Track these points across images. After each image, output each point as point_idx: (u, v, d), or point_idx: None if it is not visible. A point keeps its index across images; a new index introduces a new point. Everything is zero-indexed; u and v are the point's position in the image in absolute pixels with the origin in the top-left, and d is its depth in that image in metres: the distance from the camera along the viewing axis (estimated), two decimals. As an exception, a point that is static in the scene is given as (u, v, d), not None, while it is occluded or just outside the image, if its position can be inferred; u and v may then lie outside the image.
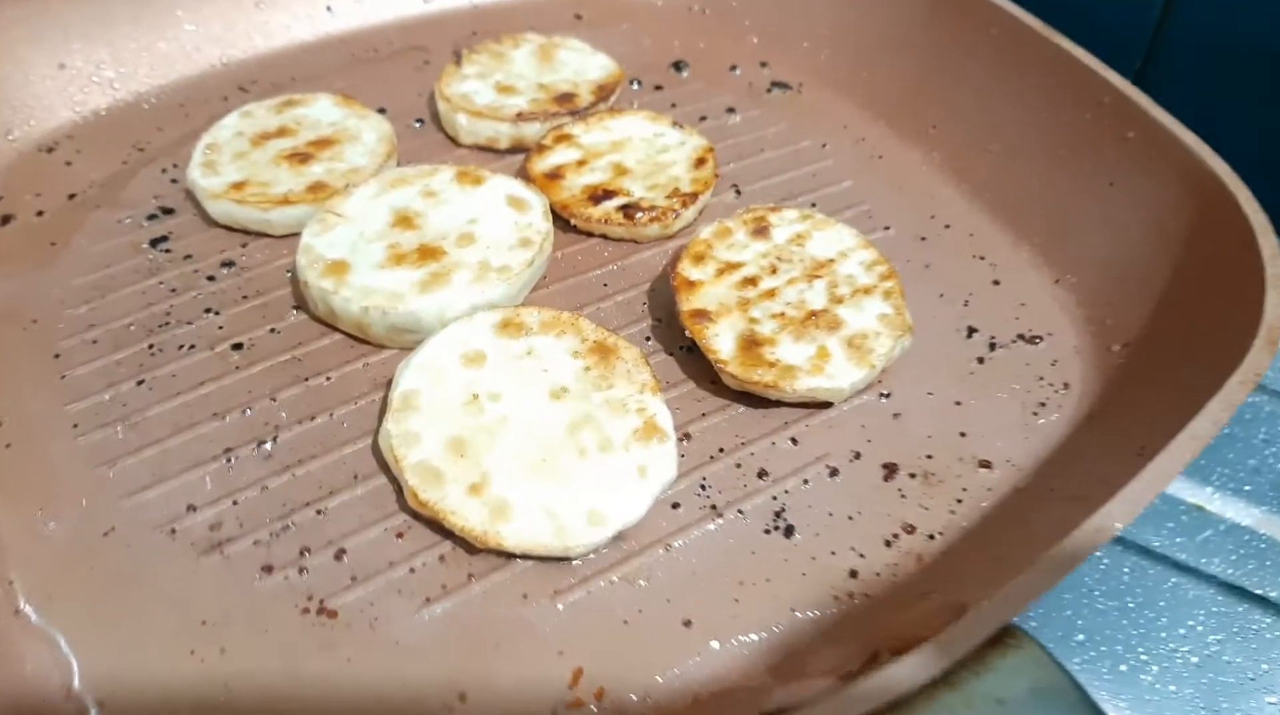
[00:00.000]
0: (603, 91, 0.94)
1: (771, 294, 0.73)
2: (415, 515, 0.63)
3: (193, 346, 0.73)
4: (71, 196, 0.87)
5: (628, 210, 0.81)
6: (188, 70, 1.01)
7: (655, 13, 1.14)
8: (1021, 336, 0.77)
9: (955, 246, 0.84)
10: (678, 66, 1.05)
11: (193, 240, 0.82)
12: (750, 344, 0.69)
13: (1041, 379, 0.74)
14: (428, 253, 0.74)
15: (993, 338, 0.77)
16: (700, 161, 0.86)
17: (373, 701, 0.55)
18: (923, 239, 0.85)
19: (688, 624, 0.59)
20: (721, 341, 0.70)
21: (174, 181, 0.88)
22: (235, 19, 1.03)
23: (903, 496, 0.66)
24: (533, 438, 0.64)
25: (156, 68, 1.00)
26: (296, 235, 0.81)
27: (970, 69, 0.92)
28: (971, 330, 0.77)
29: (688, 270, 0.74)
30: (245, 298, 0.77)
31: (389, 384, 0.71)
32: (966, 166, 0.90)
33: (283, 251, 0.81)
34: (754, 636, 0.59)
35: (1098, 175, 0.81)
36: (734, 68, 1.05)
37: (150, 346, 0.74)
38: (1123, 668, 0.67)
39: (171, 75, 1.00)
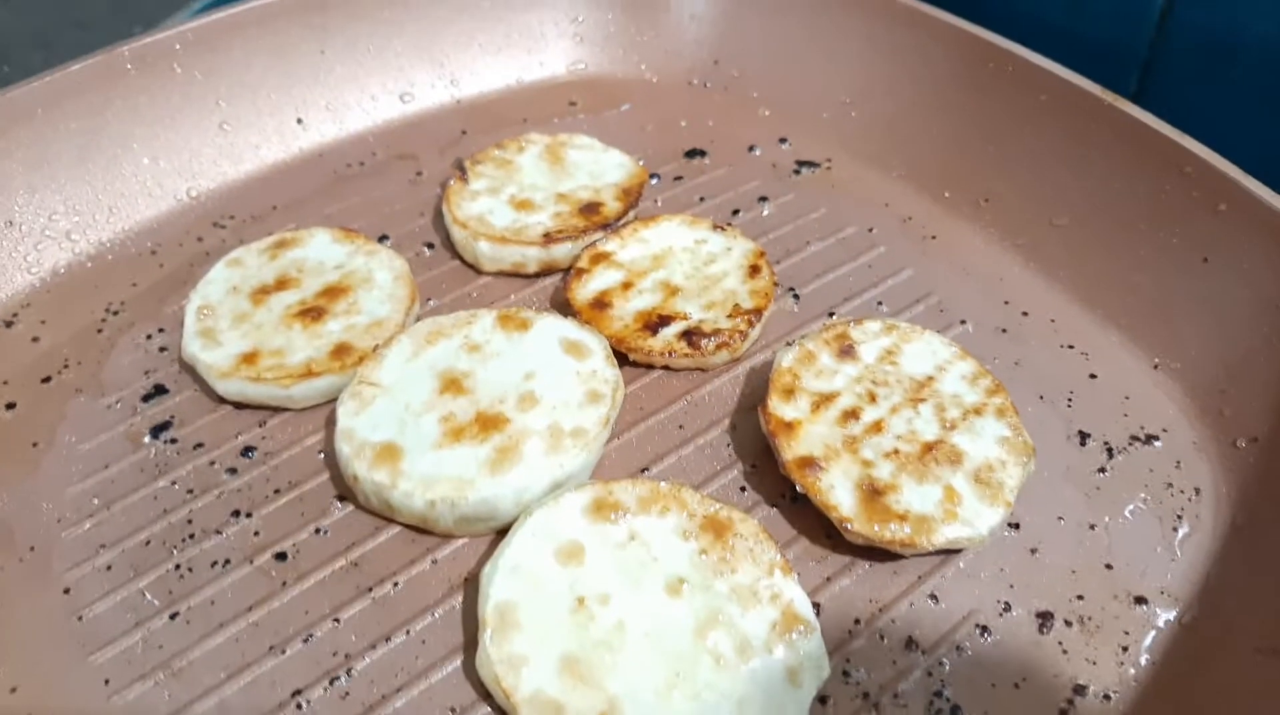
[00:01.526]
0: (628, 196, 0.86)
1: (878, 427, 0.66)
2: (534, 754, 0.54)
3: (227, 561, 0.63)
4: (45, 380, 0.76)
5: (692, 338, 0.73)
6: (152, 209, 0.90)
7: (653, 91, 1.06)
8: (1136, 437, 0.71)
9: (1040, 336, 0.78)
10: (693, 154, 0.97)
11: (200, 425, 0.72)
12: (872, 494, 0.62)
13: (1170, 486, 0.68)
14: (488, 423, 0.65)
15: (1108, 442, 0.71)
16: (754, 269, 0.78)
17: None
18: (1004, 331, 0.79)
19: None
20: (839, 495, 0.62)
21: (162, 350, 0.78)
22: (198, 146, 0.93)
23: (1064, 652, 0.60)
24: (658, 648, 0.55)
25: (116, 211, 0.88)
26: (320, 407, 0.71)
27: (1021, 136, 0.86)
28: (1084, 436, 0.71)
29: (781, 410, 0.66)
30: (277, 491, 0.67)
31: (467, 582, 0.62)
32: (1032, 244, 0.84)
33: (309, 427, 0.71)
34: None
35: (1188, 251, 0.76)
36: (752, 148, 0.98)
37: (177, 567, 0.63)
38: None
39: (135, 218, 0.89)
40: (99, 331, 0.80)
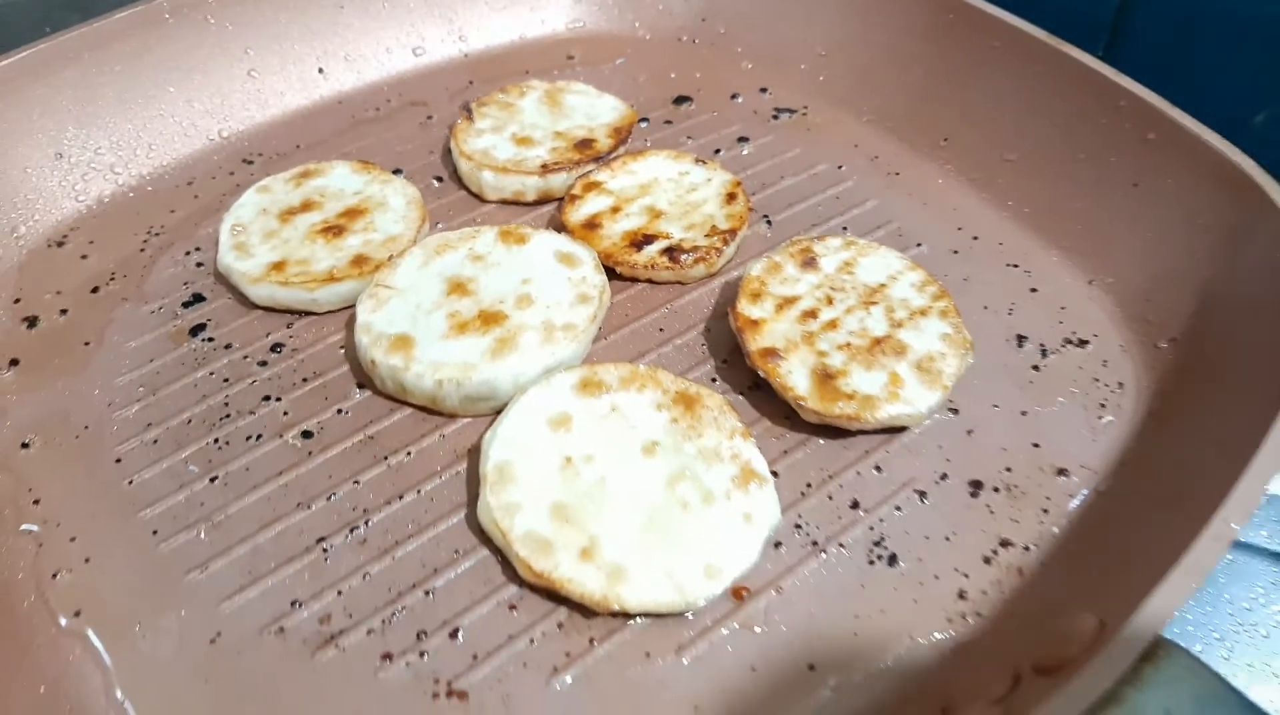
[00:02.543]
0: (619, 134, 0.94)
1: (833, 325, 0.74)
2: (526, 586, 0.63)
3: (260, 436, 0.72)
4: (94, 290, 0.85)
5: (672, 253, 0.81)
6: (188, 147, 0.99)
7: (645, 46, 1.14)
8: (1069, 340, 0.79)
9: (988, 257, 0.86)
10: (681, 100, 1.06)
11: (234, 327, 0.81)
12: (824, 378, 0.70)
13: (1097, 381, 0.76)
14: (490, 318, 0.74)
15: (1043, 344, 0.79)
16: (731, 196, 0.87)
17: (524, 782, 0.55)
18: (955, 252, 0.87)
19: (812, 667, 0.60)
20: (796, 378, 0.71)
21: (199, 265, 0.87)
22: (229, 90, 1.02)
23: (991, 512, 0.68)
24: (634, 497, 0.64)
25: (155, 148, 0.97)
26: (343, 311, 0.80)
27: (977, 81, 0.95)
28: (1021, 338, 0.79)
29: (748, 309, 0.75)
30: (305, 380, 0.76)
31: (471, 453, 0.70)
32: (986, 177, 0.92)
33: (331, 328, 0.80)
34: (882, 666, 0.60)
35: (1121, 177, 0.84)
36: (735, 96, 1.06)
37: (215, 441, 0.72)
38: (1198, 647, 0.68)
39: (172, 154, 0.98)
40: (141, 250, 0.89)
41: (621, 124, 0.96)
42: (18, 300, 0.84)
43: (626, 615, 0.61)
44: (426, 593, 0.63)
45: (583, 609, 0.61)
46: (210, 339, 0.80)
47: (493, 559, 0.65)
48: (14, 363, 0.79)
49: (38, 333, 0.81)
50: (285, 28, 1.04)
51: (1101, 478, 0.70)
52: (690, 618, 0.62)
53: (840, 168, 0.96)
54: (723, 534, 0.62)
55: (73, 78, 0.93)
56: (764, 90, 1.07)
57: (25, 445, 0.72)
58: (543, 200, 0.92)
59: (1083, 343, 0.79)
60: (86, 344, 0.80)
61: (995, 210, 0.91)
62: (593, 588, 0.60)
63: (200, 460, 0.71)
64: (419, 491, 0.69)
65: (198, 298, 0.83)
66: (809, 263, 0.79)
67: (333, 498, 0.68)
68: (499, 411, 0.72)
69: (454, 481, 0.69)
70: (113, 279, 0.86)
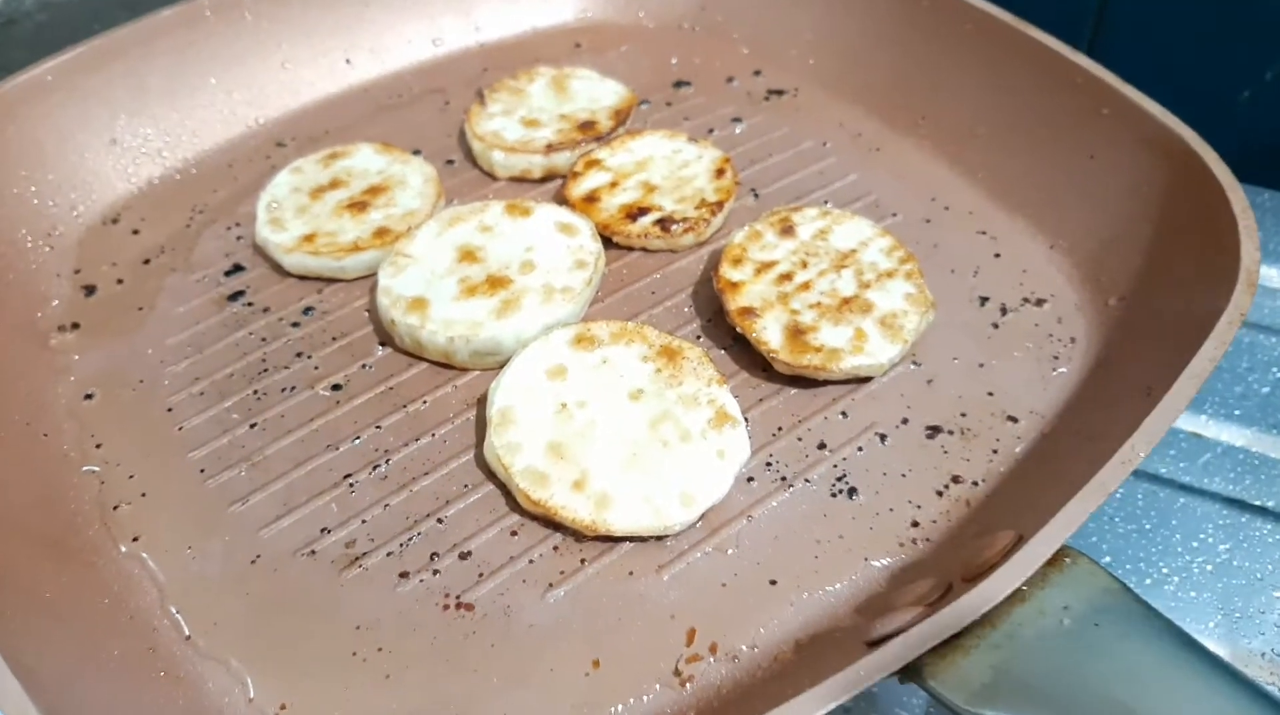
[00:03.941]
0: (619, 116, 1.02)
1: (807, 286, 0.82)
2: (526, 514, 0.71)
3: (293, 388, 0.81)
4: (145, 262, 0.94)
5: (663, 223, 0.89)
6: (227, 133, 1.08)
7: (649, 34, 1.22)
8: (1027, 300, 0.86)
9: (957, 225, 0.94)
10: (680, 84, 1.14)
11: (270, 292, 0.90)
12: (795, 333, 0.78)
13: (1051, 336, 0.84)
14: (496, 282, 0.82)
15: (1003, 304, 0.86)
16: (720, 171, 0.95)
17: (519, 678, 0.64)
18: (928, 221, 0.94)
19: (774, 582, 0.68)
20: (770, 333, 0.79)
21: (239, 238, 0.96)
22: (264, 81, 1.11)
23: (945, 453, 0.76)
24: (621, 436, 0.72)
25: (198, 134, 1.07)
26: (367, 278, 0.89)
27: (950, 62, 1.02)
28: (984, 299, 0.87)
29: (729, 273, 0.83)
30: (334, 339, 0.85)
31: (479, 402, 0.79)
32: (958, 151, 1.00)
33: (356, 293, 0.89)
34: (837, 586, 0.68)
35: (1079, 150, 0.91)
36: (731, 79, 1.14)
37: (255, 392, 0.81)
38: (1147, 581, 0.76)
39: (213, 139, 1.07)
40: (187, 226, 0.98)
41: (622, 106, 1.04)
42: (78, 271, 0.93)
43: (612, 538, 0.69)
44: (439, 521, 0.72)
45: (575, 534, 0.70)
46: (250, 304, 0.89)
47: (497, 492, 0.73)
48: (75, 326, 0.88)
49: (96, 300, 0.91)
50: (315, 23, 1.13)
51: (1047, 422, 0.77)
52: (669, 542, 0.70)
53: (825, 144, 1.04)
54: (698, 468, 0.70)
55: (123, 71, 1.03)
56: (757, 73, 1.15)
57: (88, 396, 0.82)
58: (548, 177, 1.00)
59: (1040, 302, 0.86)
60: (140, 309, 0.89)
61: (966, 181, 0.98)
62: (583, 514, 0.68)
63: (241, 409, 0.80)
64: (433, 435, 0.77)
65: (238, 267, 0.93)
66: (787, 231, 0.87)
67: (357, 441, 0.77)
68: (504, 365, 0.80)
69: (464, 426, 0.78)
70: (162, 252, 0.95)
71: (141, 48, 1.03)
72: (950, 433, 0.77)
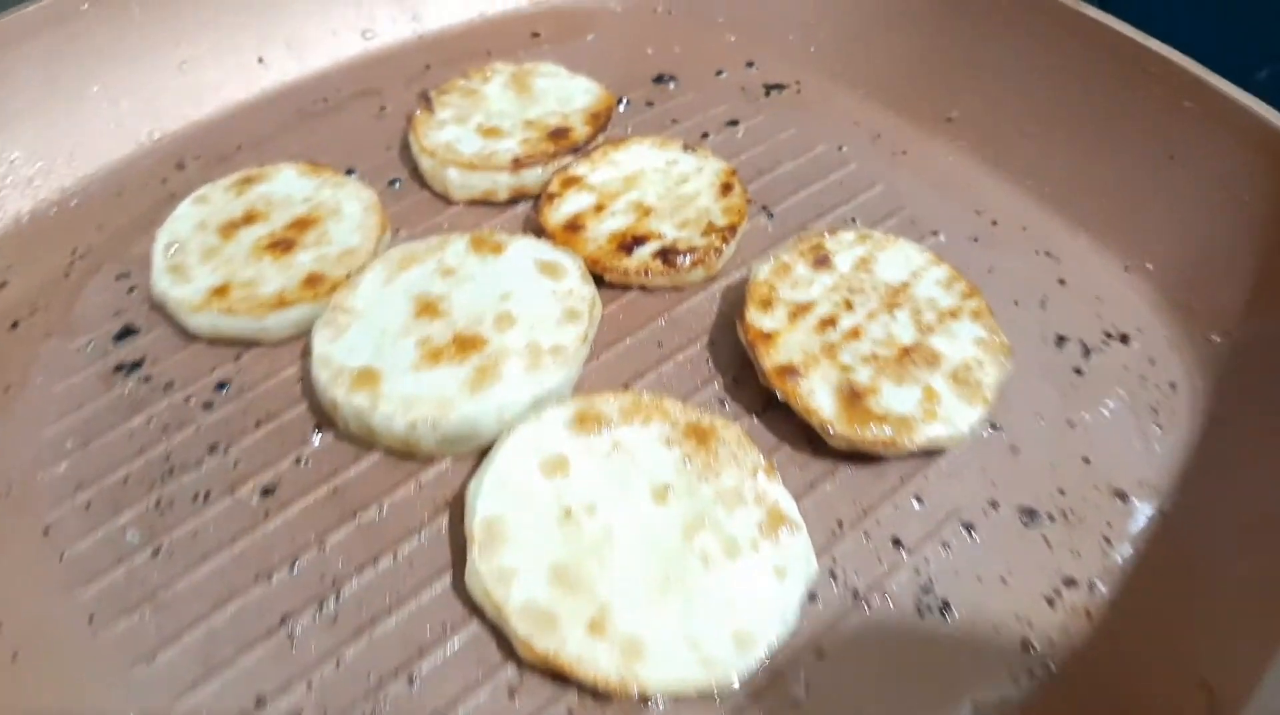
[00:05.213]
0: (597, 120, 0.85)
1: (856, 333, 0.66)
2: (525, 664, 0.54)
3: (208, 495, 0.63)
4: (14, 325, 0.75)
5: (667, 256, 0.73)
6: (115, 153, 0.88)
7: (617, 20, 1.05)
8: (1110, 336, 0.71)
9: (1011, 244, 0.79)
10: (661, 79, 0.96)
11: (172, 362, 0.71)
12: (852, 397, 0.62)
13: (1145, 380, 0.69)
14: (466, 343, 0.65)
15: (1084, 342, 0.71)
16: (726, 187, 0.78)
17: None
18: (975, 240, 0.79)
19: (861, 740, 0.52)
20: (820, 398, 0.62)
21: (131, 290, 0.77)
22: (159, 86, 0.91)
23: (1049, 545, 0.60)
24: (646, 552, 0.55)
25: (78, 156, 0.87)
26: (294, 340, 0.70)
27: (984, 47, 0.86)
28: (1061, 338, 0.71)
29: (759, 320, 0.66)
30: (256, 424, 0.66)
31: (452, 504, 0.62)
32: (1000, 153, 0.84)
33: (284, 359, 0.71)
34: (942, 742, 0.52)
35: (1154, 149, 0.76)
36: (720, 72, 0.97)
37: (157, 502, 0.63)
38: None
39: (98, 162, 0.87)
40: (66, 276, 0.78)
41: (598, 109, 0.86)
42: (-74, 339, 0.73)
43: (645, 699, 0.53)
44: (410, 679, 0.54)
45: (594, 692, 0.53)
46: (147, 378, 0.70)
47: (486, 633, 0.56)
48: None
49: (-53, 378, 0.71)
50: (219, 14, 0.93)
51: (1165, 496, 0.62)
52: (719, 698, 0.53)
53: (841, 148, 0.88)
54: (752, 593, 0.54)
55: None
56: (750, 64, 0.98)
57: (-60, 512, 0.62)
58: (516, 198, 0.82)
59: (1125, 338, 0.72)
60: (7, 390, 0.70)
61: (1013, 189, 0.83)
62: (606, 668, 0.51)
63: (141, 526, 0.62)
64: (396, 555, 0.60)
65: (130, 329, 0.74)
66: (821, 261, 0.71)
67: (296, 566, 0.59)
68: (484, 452, 0.63)
69: (436, 540, 0.60)
70: (34, 311, 0.76)
71: (2, 54, 0.82)
72: (1050, 517, 0.62)
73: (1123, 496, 0.62)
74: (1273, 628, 0.46)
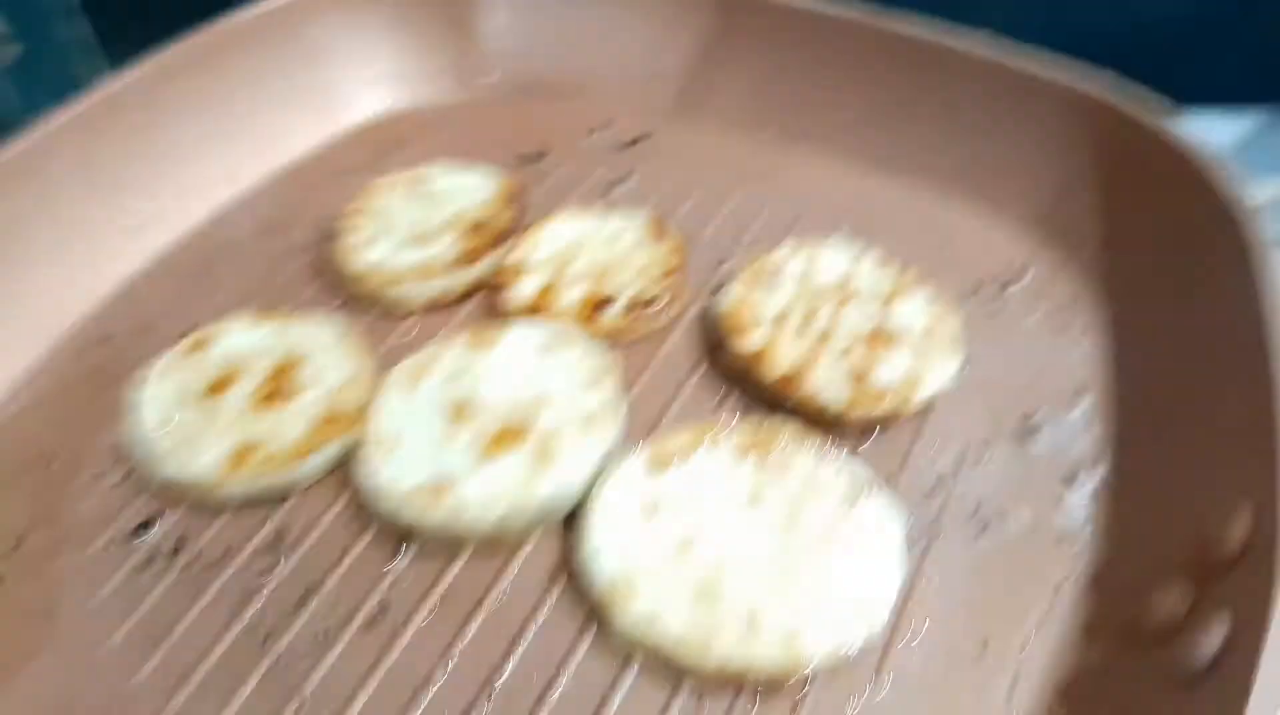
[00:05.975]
0: (513, 202, 0.91)
1: (828, 333, 0.76)
2: (693, 688, 0.60)
3: (325, 634, 0.64)
4: (15, 547, 0.71)
5: (636, 308, 0.80)
6: (26, 356, 0.84)
7: (458, 117, 1.10)
8: (1009, 272, 0.87)
9: (901, 221, 0.92)
10: (534, 156, 1.03)
11: (211, 536, 0.70)
12: (857, 380, 0.72)
13: (1050, 300, 0.85)
14: (514, 432, 0.69)
15: (997, 282, 0.86)
16: (658, 232, 0.86)
17: None
18: (873, 226, 0.91)
19: (985, 644, 0.62)
20: (829, 392, 0.72)
21: (119, 483, 0.74)
22: (44, 282, 0.87)
23: (1053, 445, 0.73)
24: (761, 553, 0.63)
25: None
26: (327, 476, 0.72)
27: (799, 64, 1.00)
28: (978, 283, 0.85)
29: (743, 345, 0.75)
30: (335, 563, 0.68)
31: (554, 574, 0.66)
32: (858, 150, 0.98)
33: (326, 496, 0.72)
34: (1047, 624, 0.63)
35: (987, 129, 0.93)
36: (589, 133, 1.06)
37: (276, 661, 0.63)
38: None
39: (20, 363, 0.83)
40: (43, 491, 0.75)
41: (510, 191, 0.92)
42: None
43: (804, 679, 0.60)
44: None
45: (766, 685, 0.59)
46: (196, 558, 0.69)
47: (646, 675, 0.61)
48: None
49: (-29, 625, 0.66)
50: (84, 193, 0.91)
51: (1108, 381, 0.77)
52: (857, 653, 0.61)
53: (718, 180, 0.98)
54: (861, 554, 0.62)
55: None
56: (608, 125, 1.07)
57: (40, 767, 0.59)
58: (469, 294, 0.87)
59: (1022, 271, 0.86)
60: (44, 615, 0.67)
61: (884, 180, 0.96)
62: (774, 656, 0.58)
63: (264, 695, 0.62)
64: (527, 636, 0.63)
65: (145, 523, 0.72)
66: (772, 279, 0.80)
67: (446, 671, 0.62)
68: (567, 521, 0.68)
69: (561, 613, 0.65)
70: (29, 529, 0.72)
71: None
72: (1037, 427, 0.74)
73: (1080, 391, 0.76)
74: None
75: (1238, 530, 0.57)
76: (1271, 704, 0.47)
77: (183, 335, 0.81)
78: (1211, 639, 0.53)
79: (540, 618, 0.64)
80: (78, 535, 0.71)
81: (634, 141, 1.04)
